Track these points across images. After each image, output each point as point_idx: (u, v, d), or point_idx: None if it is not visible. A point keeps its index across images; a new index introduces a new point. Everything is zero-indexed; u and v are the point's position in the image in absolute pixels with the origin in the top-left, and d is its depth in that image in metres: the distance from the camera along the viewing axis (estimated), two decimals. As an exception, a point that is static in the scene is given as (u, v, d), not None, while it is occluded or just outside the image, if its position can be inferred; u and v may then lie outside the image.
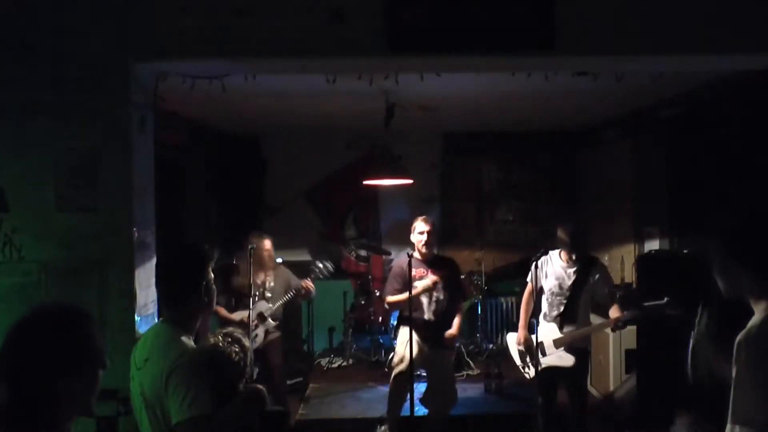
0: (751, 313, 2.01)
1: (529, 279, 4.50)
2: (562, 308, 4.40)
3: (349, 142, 7.71)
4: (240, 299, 4.86)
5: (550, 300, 4.44)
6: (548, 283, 4.43)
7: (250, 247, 4.61)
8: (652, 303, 4.13)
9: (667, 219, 5.67)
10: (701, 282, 4.06)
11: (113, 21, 3.21)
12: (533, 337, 4.30)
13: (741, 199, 4.46)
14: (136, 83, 3.31)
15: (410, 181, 6.31)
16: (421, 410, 4.85)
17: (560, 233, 4.33)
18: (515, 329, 4.74)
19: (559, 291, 4.39)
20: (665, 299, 4.07)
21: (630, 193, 6.42)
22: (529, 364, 4.56)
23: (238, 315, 4.82)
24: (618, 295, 4.75)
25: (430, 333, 4.70)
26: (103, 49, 3.22)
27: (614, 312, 4.32)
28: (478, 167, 8.09)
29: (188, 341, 2.23)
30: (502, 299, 7.66)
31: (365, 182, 6.24)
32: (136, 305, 3.25)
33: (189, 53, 3.26)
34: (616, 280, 5.98)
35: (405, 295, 4.54)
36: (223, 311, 4.86)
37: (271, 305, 4.95)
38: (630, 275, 6.12)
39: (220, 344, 2.43)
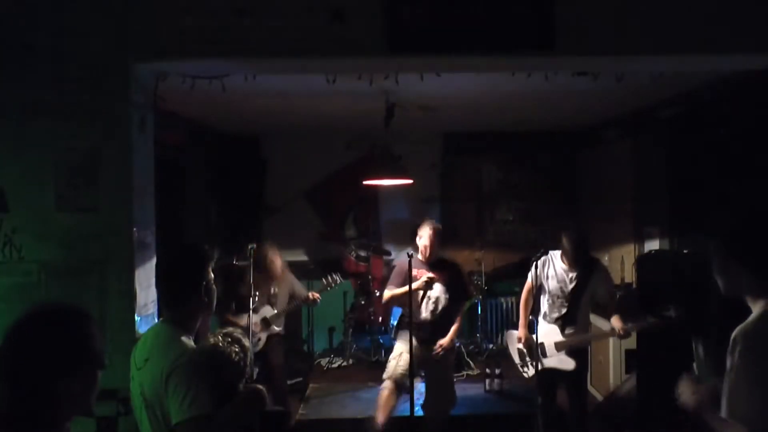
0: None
1: (529, 278, 4.49)
2: (563, 310, 4.39)
3: (349, 142, 7.71)
4: (243, 304, 4.87)
5: (550, 301, 4.43)
6: (549, 284, 4.42)
7: (250, 247, 4.61)
8: (659, 318, 4.15)
9: (667, 219, 5.67)
10: (701, 282, 4.09)
11: (113, 21, 3.21)
12: (534, 336, 4.30)
13: (741, 199, 4.46)
14: (136, 83, 3.31)
15: (410, 181, 6.31)
16: (421, 410, 4.86)
17: (564, 241, 4.30)
18: (515, 328, 4.75)
19: (561, 293, 4.38)
20: (671, 314, 4.08)
21: (630, 193, 6.42)
22: (528, 363, 4.56)
23: (245, 321, 4.81)
24: (618, 296, 4.76)
25: (427, 333, 4.69)
26: (103, 49, 3.22)
27: (616, 321, 4.31)
28: (478, 167, 8.09)
29: (188, 341, 2.23)
30: (502, 299, 7.66)
31: (365, 182, 6.24)
32: (136, 305, 3.25)
33: (189, 53, 3.25)
34: (616, 280, 5.98)
35: (400, 290, 4.56)
36: (231, 318, 4.86)
37: (275, 311, 4.96)
38: (630, 275, 6.12)
39: (220, 344, 2.43)
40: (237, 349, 2.44)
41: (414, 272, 4.49)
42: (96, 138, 3.22)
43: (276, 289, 5.00)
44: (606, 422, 5.10)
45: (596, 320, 5.01)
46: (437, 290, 4.70)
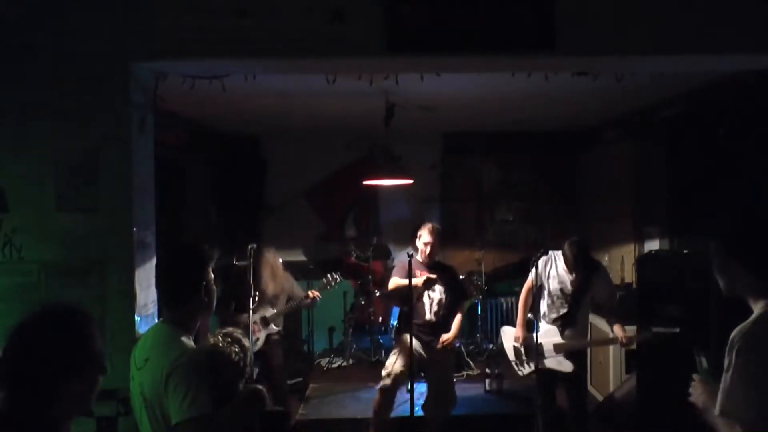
0: None
1: (530, 277, 4.48)
2: (563, 311, 4.39)
3: (349, 142, 7.71)
4: (243, 304, 4.87)
5: (550, 302, 4.43)
6: (551, 284, 4.41)
7: (250, 247, 4.61)
8: (663, 330, 4.16)
9: (667, 219, 5.67)
10: (701, 282, 4.09)
11: (113, 21, 3.21)
12: (533, 335, 4.29)
13: (741, 199, 4.46)
14: (136, 83, 3.31)
15: (410, 181, 6.31)
16: (421, 411, 4.86)
17: (567, 249, 4.27)
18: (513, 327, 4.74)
19: (561, 295, 4.38)
20: (677, 329, 4.09)
21: (630, 193, 6.42)
22: (524, 362, 4.55)
23: (244, 320, 4.82)
24: (618, 296, 4.76)
25: (428, 335, 4.69)
26: (102, 49, 3.22)
27: (618, 330, 4.34)
28: (478, 167, 8.09)
29: (188, 341, 2.23)
30: (502, 299, 7.65)
31: (365, 182, 6.24)
32: (136, 305, 3.25)
33: (189, 53, 3.25)
34: (616, 281, 5.98)
35: (406, 281, 4.56)
36: (230, 318, 4.86)
37: (274, 311, 4.96)
38: (630, 275, 6.12)
39: (220, 344, 2.43)
40: (237, 349, 2.44)
41: (416, 273, 4.50)
42: (96, 138, 3.22)
43: (275, 291, 5.01)
44: (606, 422, 5.10)
45: (595, 319, 5.01)
46: (438, 292, 4.71)
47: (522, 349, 4.55)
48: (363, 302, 7.17)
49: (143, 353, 2.25)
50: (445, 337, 4.68)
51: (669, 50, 3.34)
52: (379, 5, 3.17)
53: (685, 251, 4.99)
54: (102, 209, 3.22)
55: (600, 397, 5.63)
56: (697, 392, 2.13)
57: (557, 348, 4.35)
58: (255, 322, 4.78)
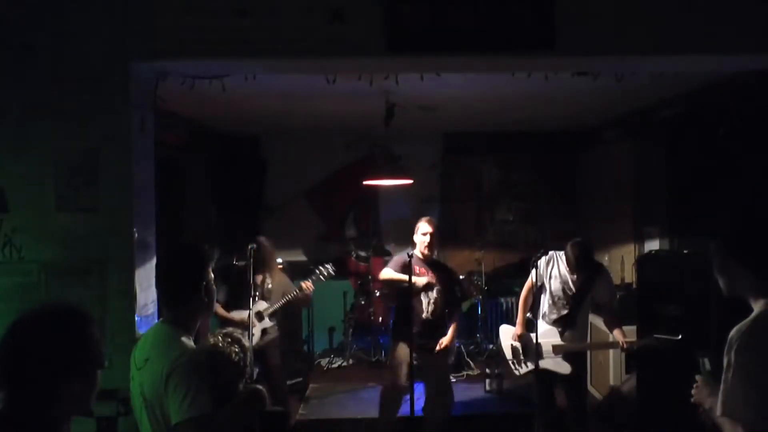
0: None
1: (531, 276, 4.47)
2: (564, 312, 4.38)
3: (349, 142, 7.71)
4: (238, 298, 4.88)
5: (551, 302, 4.41)
6: (552, 284, 4.39)
7: (250, 247, 4.61)
8: (665, 336, 4.16)
9: (667, 219, 5.67)
10: (701, 282, 4.09)
11: (113, 21, 3.21)
12: (532, 336, 4.28)
13: (741, 199, 4.46)
14: (136, 83, 3.31)
15: (410, 181, 6.31)
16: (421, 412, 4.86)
17: (569, 249, 4.24)
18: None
19: (563, 295, 4.37)
20: (678, 336, 4.09)
21: (630, 193, 6.42)
22: (521, 361, 4.54)
23: (237, 314, 4.83)
24: (618, 296, 4.76)
25: (425, 338, 4.65)
26: (103, 49, 3.22)
27: (618, 334, 4.33)
28: (478, 167, 8.09)
29: (188, 341, 2.23)
30: (502, 299, 7.64)
31: (365, 182, 6.24)
32: (136, 305, 3.25)
33: (189, 53, 3.25)
34: (616, 281, 5.98)
35: (399, 276, 4.57)
36: (221, 310, 4.86)
37: (268, 305, 4.97)
38: (630, 275, 6.12)
39: (220, 344, 2.43)
40: (237, 349, 2.44)
41: (415, 269, 4.50)
42: (96, 138, 3.22)
43: (270, 285, 5.01)
44: (606, 422, 5.10)
45: (595, 320, 5.01)
46: (434, 291, 4.70)
47: (520, 349, 4.55)
48: (363, 302, 7.17)
49: (143, 353, 2.25)
50: (444, 341, 4.67)
51: (669, 50, 3.34)
52: (379, 5, 3.17)
53: (685, 251, 4.99)
54: (102, 209, 3.22)
55: (600, 398, 5.63)
56: (701, 394, 2.13)
57: (556, 349, 4.35)
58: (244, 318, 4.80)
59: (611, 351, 5.44)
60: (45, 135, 3.21)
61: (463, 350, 6.82)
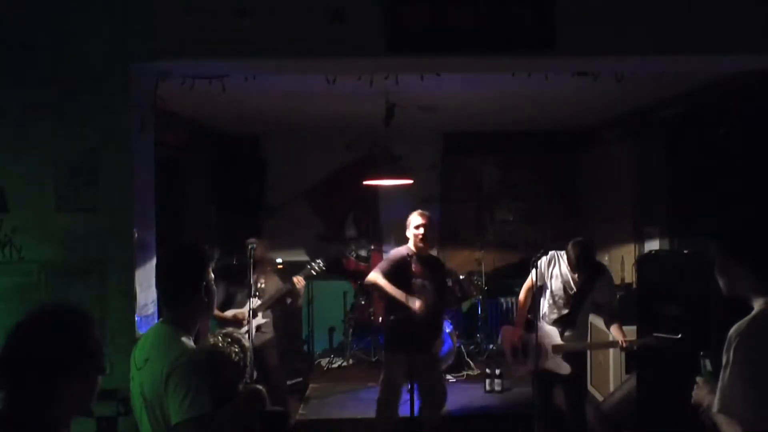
0: None
1: (530, 275, 4.46)
2: (564, 312, 4.38)
3: (349, 142, 7.71)
4: (232, 298, 4.90)
5: (552, 302, 4.41)
6: (553, 284, 4.38)
7: (250, 247, 4.62)
8: (665, 336, 4.16)
9: (667, 219, 5.67)
10: (701, 282, 4.09)
11: (113, 21, 3.21)
12: (532, 335, 4.27)
13: (741, 199, 4.46)
14: (136, 83, 3.31)
15: (410, 181, 6.31)
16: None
17: (571, 249, 4.22)
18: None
19: (564, 295, 4.36)
20: (678, 335, 4.09)
21: (630, 193, 6.42)
22: (521, 361, 4.54)
23: (230, 312, 4.86)
24: (618, 296, 4.75)
25: (420, 332, 4.56)
26: (103, 49, 3.21)
27: (616, 331, 4.32)
28: (478, 167, 8.09)
29: (188, 341, 2.23)
30: (502, 299, 7.66)
31: (365, 182, 6.24)
32: (136, 305, 3.24)
33: (189, 53, 3.25)
34: (616, 280, 5.98)
35: (390, 288, 4.50)
36: (216, 310, 4.88)
37: (260, 302, 4.99)
38: (630, 275, 6.12)
39: (220, 344, 2.43)
40: (237, 349, 2.44)
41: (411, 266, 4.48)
42: (96, 138, 3.21)
43: (263, 285, 5.02)
44: (606, 422, 5.09)
45: (595, 320, 5.01)
46: (430, 291, 4.63)
47: (520, 348, 4.54)
48: (363, 302, 7.17)
49: (143, 353, 2.25)
50: (437, 345, 4.67)
51: (669, 50, 3.33)
52: (379, 5, 3.17)
53: (685, 251, 4.99)
54: (102, 209, 3.22)
55: (600, 398, 5.63)
56: (701, 393, 2.13)
57: (556, 349, 4.35)
58: (242, 313, 4.81)
59: (611, 351, 5.43)
60: (45, 135, 3.20)
61: (463, 350, 6.82)
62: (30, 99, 3.21)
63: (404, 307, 4.46)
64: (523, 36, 3.22)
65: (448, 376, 6.46)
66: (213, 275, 2.36)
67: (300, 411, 5.66)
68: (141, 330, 3.18)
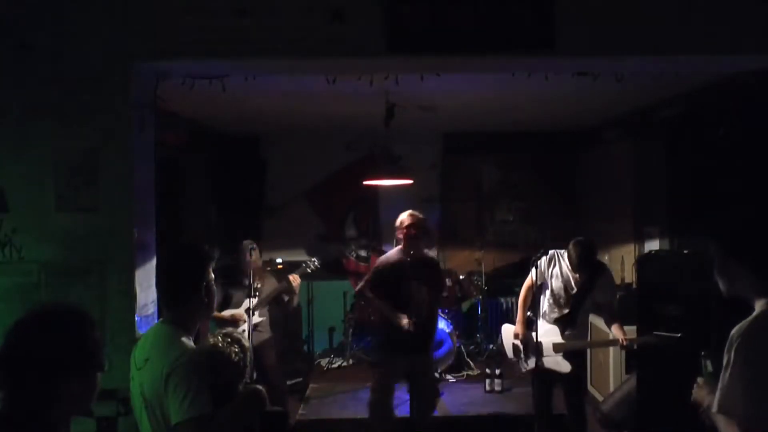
0: None
1: (531, 274, 4.46)
2: (565, 311, 4.38)
3: (349, 142, 7.71)
4: (228, 297, 4.92)
5: (552, 301, 4.41)
6: (554, 283, 4.38)
7: (250, 247, 4.63)
8: (665, 334, 4.16)
9: (667, 219, 5.67)
10: (701, 282, 4.09)
11: (113, 21, 3.21)
12: (533, 334, 4.27)
13: (741, 199, 4.45)
14: (136, 83, 3.31)
15: (410, 181, 6.31)
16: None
17: (572, 249, 4.22)
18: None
19: (564, 294, 4.36)
20: (678, 334, 4.09)
21: (630, 193, 6.43)
22: (522, 360, 4.54)
23: (228, 312, 4.87)
24: (618, 296, 4.75)
25: (409, 345, 4.52)
26: (103, 49, 3.21)
27: (616, 331, 4.32)
28: (478, 167, 8.09)
29: (188, 341, 2.23)
30: (502, 299, 7.66)
31: (365, 182, 6.24)
32: (136, 305, 3.24)
33: (189, 53, 3.25)
34: (617, 280, 5.98)
35: (379, 303, 4.55)
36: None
37: (256, 300, 5.00)
38: (630, 275, 6.12)
39: (220, 344, 2.43)
40: (237, 350, 2.44)
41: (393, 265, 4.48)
42: (96, 138, 3.21)
43: (259, 285, 5.03)
44: (606, 422, 5.10)
45: (596, 320, 5.01)
46: (422, 293, 4.58)
47: (521, 347, 4.54)
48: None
49: (143, 353, 2.25)
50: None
51: (669, 50, 3.33)
52: (379, 5, 3.17)
53: (685, 251, 4.99)
54: (102, 209, 3.22)
55: (600, 397, 5.63)
56: (701, 394, 2.13)
57: (556, 348, 4.35)
58: (239, 313, 4.82)
59: (611, 351, 5.43)
60: (45, 135, 3.20)
61: (463, 350, 6.81)
62: (30, 99, 3.21)
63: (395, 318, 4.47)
64: (523, 36, 3.22)
65: (448, 376, 6.47)
66: (213, 275, 2.37)
67: (300, 411, 5.66)
68: (141, 330, 3.18)
